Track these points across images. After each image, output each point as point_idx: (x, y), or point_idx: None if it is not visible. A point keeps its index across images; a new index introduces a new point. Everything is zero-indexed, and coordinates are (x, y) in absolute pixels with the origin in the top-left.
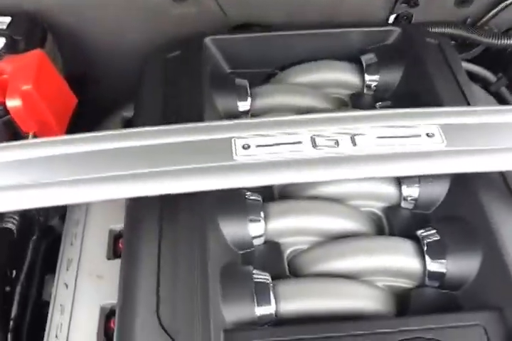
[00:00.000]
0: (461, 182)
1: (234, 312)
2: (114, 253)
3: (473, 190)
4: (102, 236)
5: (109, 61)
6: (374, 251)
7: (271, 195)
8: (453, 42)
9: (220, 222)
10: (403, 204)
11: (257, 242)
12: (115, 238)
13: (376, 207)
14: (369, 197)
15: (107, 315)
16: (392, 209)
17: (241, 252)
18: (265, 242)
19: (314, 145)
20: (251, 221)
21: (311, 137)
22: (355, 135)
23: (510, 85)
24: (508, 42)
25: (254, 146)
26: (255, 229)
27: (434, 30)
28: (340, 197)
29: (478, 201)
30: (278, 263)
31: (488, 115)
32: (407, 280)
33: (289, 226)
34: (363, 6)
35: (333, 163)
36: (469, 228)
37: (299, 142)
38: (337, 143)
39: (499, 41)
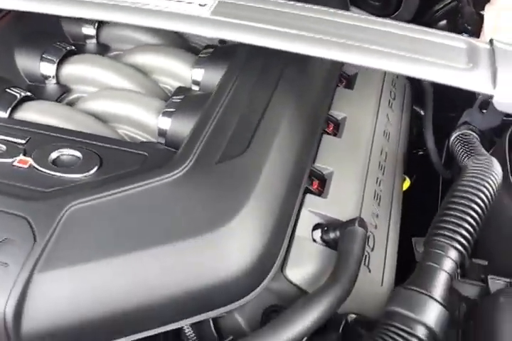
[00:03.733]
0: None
1: None
2: None
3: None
4: None
5: None
6: (120, 99)
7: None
8: None
9: (16, 50)
10: (193, 87)
11: (49, 82)
12: None
13: (172, 85)
14: (167, 75)
15: None
16: (182, 89)
17: (29, 83)
18: (57, 83)
19: None
20: (43, 60)
21: None
22: None
23: None
24: None
25: None
26: (46, 69)
27: None
28: (143, 68)
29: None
30: (56, 99)
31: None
32: (143, 133)
33: (79, 74)
34: None
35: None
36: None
37: None
38: None
39: None
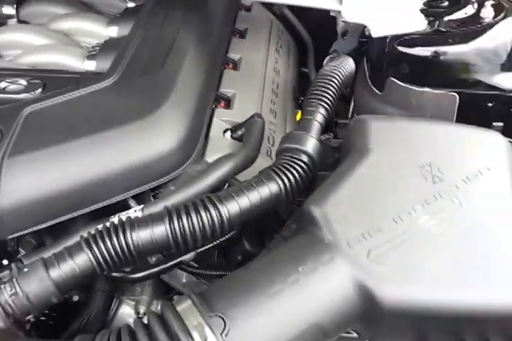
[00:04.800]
0: None
1: None
2: None
3: None
4: None
5: None
6: (47, 50)
7: None
8: None
9: None
10: None
11: None
12: None
13: (92, 44)
14: (86, 35)
15: None
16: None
17: None
18: None
19: None
20: None
21: None
22: None
23: None
24: None
25: None
26: None
27: None
28: (65, 32)
29: None
30: None
31: None
32: None
33: (7, 40)
34: None
35: None
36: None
37: None
38: None
39: None
